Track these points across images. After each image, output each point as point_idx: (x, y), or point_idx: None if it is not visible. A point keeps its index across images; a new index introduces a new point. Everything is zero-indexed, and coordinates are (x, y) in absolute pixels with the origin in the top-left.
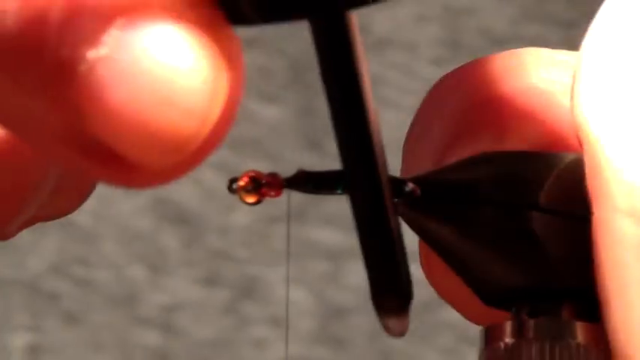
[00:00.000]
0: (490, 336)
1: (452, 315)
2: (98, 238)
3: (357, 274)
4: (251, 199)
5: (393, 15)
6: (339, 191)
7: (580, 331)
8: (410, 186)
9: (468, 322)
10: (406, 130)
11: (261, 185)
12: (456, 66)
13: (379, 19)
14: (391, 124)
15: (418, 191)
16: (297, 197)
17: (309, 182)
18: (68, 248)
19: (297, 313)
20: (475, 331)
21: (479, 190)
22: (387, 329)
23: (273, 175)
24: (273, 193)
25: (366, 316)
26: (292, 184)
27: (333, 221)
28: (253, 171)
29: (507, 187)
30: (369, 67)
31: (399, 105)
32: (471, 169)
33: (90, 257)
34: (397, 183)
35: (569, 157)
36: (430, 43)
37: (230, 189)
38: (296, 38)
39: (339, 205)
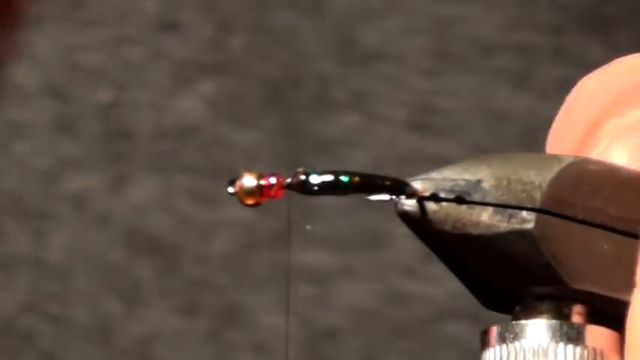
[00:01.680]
0: (488, 338)
1: (453, 331)
2: (71, 273)
3: (345, 295)
4: (251, 201)
5: (381, 27)
6: (339, 192)
7: (580, 333)
8: (411, 188)
9: (469, 337)
10: (400, 144)
11: (262, 186)
12: (447, 76)
13: (366, 32)
14: (384, 138)
15: (419, 193)
16: (277, 222)
17: (310, 183)
18: (41, 286)
19: (283, 338)
20: (475, 346)
21: (479, 191)
22: None
23: (273, 176)
24: (273, 194)
25: (357, 337)
26: (293, 184)
27: (316, 243)
28: (253, 172)
29: (507, 188)
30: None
31: (390, 119)
32: (471, 170)
33: (64, 294)
34: (399, 184)
35: (570, 158)
36: (419, 54)
37: (230, 191)
38: (269, 61)
39: (322, 226)
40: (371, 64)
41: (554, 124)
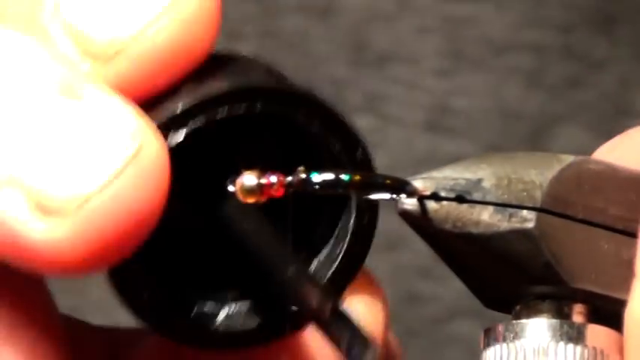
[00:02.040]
0: (489, 337)
1: (462, 329)
2: (87, 287)
3: None
4: (251, 199)
5: (393, 29)
6: (340, 190)
7: (580, 332)
8: (411, 187)
9: (478, 336)
10: (415, 145)
11: (262, 185)
12: (460, 76)
13: (379, 35)
14: (398, 140)
15: (419, 192)
16: None
17: (311, 181)
18: (57, 299)
19: None
20: None
21: (479, 190)
22: None
23: (274, 175)
24: (274, 193)
25: None
26: (294, 183)
27: None
28: (254, 170)
29: (508, 187)
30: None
31: (404, 120)
32: (472, 169)
33: (80, 306)
34: (399, 183)
35: (570, 157)
36: (432, 54)
37: (230, 189)
38: (280, 66)
39: None
40: (384, 66)
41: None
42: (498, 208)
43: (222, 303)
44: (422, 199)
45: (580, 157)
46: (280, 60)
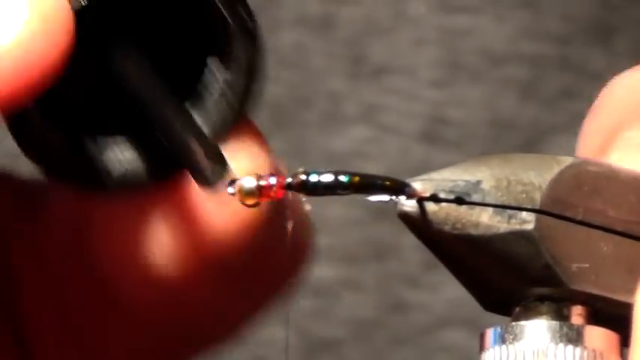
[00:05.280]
0: (488, 339)
1: (450, 338)
2: None
3: (345, 308)
4: (251, 202)
5: (390, 41)
6: (339, 192)
7: (579, 334)
8: (411, 188)
9: (468, 344)
10: (411, 156)
11: (261, 187)
12: (456, 87)
13: (376, 47)
14: (394, 150)
15: (418, 193)
16: None
17: (310, 183)
18: None
19: (282, 351)
20: (475, 354)
21: (479, 191)
22: None
23: (273, 176)
24: (273, 195)
25: (357, 348)
26: (293, 185)
27: (319, 255)
28: (253, 172)
29: (507, 189)
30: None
31: (401, 131)
32: (471, 170)
33: None
34: (398, 185)
35: (569, 159)
36: (428, 66)
37: (229, 191)
38: (277, 80)
39: (326, 239)
40: (381, 77)
41: (585, 122)
42: (498, 209)
43: (114, 150)
44: (421, 200)
45: (579, 159)
46: (278, 73)
